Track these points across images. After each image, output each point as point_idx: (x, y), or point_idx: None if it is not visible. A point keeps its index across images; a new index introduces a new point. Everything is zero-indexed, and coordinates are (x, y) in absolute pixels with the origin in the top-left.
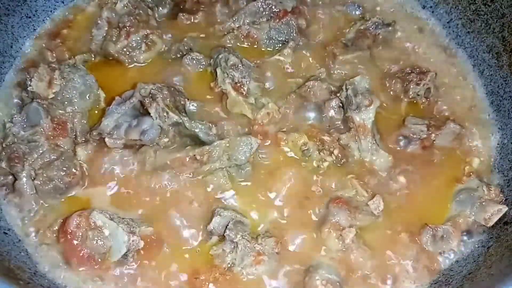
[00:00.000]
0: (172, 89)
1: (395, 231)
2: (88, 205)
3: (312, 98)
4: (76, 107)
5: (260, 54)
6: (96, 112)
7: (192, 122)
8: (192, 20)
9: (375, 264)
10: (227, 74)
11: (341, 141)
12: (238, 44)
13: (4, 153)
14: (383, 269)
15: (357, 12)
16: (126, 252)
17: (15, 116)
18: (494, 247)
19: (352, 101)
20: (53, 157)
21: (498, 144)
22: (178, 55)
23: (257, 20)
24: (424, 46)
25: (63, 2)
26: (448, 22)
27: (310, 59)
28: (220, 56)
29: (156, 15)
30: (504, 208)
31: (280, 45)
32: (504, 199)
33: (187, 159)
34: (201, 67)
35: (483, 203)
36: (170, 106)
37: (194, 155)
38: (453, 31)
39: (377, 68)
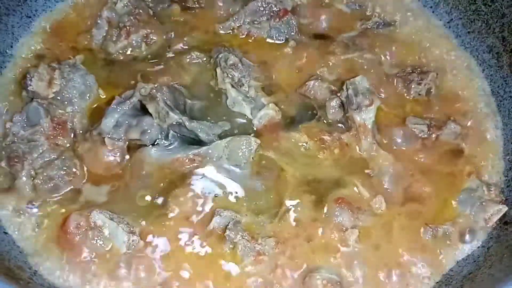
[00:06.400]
0: (172, 88)
1: (397, 231)
2: (88, 204)
3: (312, 98)
4: (76, 107)
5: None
6: (96, 111)
7: (192, 122)
8: (192, 19)
9: (376, 264)
10: (227, 74)
11: (341, 141)
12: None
13: (3, 153)
14: (384, 269)
15: (358, 12)
16: (126, 252)
17: (15, 115)
18: (494, 247)
19: (352, 101)
20: (53, 156)
21: (498, 144)
22: (178, 55)
23: (257, 19)
24: (424, 46)
25: (63, 2)
26: (448, 22)
27: (311, 58)
28: (220, 56)
29: (156, 14)
30: (504, 208)
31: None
32: (504, 199)
33: (187, 160)
34: (201, 66)
35: (483, 203)
36: (170, 105)
37: (194, 155)
38: (453, 31)
39: (378, 67)
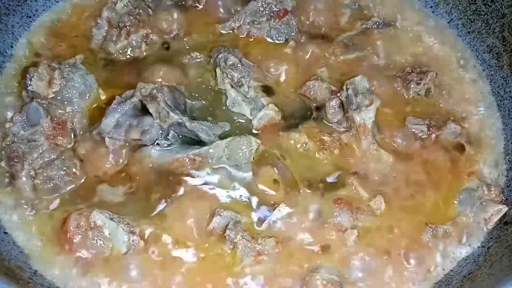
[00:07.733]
0: (172, 88)
1: (397, 231)
2: (88, 204)
3: (312, 98)
4: (76, 107)
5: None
6: (96, 111)
7: (193, 122)
8: (192, 19)
9: (376, 265)
10: (226, 74)
11: (341, 141)
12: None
13: (3, 153)
14: (383, 269)
15: (358, 12)
16: (126, 252)
17: (15, 115)
18: (494, 247)
19: (352, 101)
20: (53, 156)
21: (498, 144)
22: (178, 55)
23: (257, 20)
24: (424, 46)
25: (63, 2)
26: (448, 22)
27: (310, 58)
28: (220, 56)
29: (156, 15)
30: (504, 208)
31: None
32: (504, 199)
33: (187, 160)
34: (201, 66)
35: (483, 203)
36: (170, 105)
37: (194, 155)
38: (453, 31)
39: (378, 67)
